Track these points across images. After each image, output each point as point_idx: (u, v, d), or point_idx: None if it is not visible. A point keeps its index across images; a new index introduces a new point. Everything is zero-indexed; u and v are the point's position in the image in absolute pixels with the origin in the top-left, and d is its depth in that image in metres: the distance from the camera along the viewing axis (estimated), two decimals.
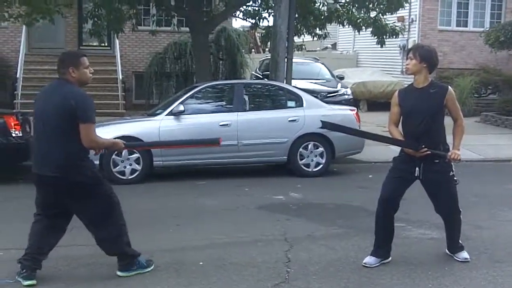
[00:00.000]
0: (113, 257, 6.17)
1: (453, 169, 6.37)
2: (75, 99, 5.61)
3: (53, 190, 5.79)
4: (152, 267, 6.22)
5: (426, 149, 6.17)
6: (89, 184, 5.76)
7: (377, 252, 6.47)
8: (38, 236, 5.93)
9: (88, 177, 5.77)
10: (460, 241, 6.66)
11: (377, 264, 6.38)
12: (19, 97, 18.49)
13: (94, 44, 21.35)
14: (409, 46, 23.56)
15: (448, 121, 6.36)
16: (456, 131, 6.40)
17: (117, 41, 20.01)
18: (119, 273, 6.05)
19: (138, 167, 11.16)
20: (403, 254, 6.77)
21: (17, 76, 18.90)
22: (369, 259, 6.43)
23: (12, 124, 11.10)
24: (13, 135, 11.08)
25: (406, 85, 6.71)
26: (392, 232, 6.51)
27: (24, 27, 17.94)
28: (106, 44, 20.68)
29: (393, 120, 6.52)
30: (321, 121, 6.87)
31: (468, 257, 6.56)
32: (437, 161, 6.26)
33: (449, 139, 6.39)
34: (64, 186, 5.70)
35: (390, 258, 6.51)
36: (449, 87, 6.44)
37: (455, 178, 6.39)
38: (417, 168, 6.28)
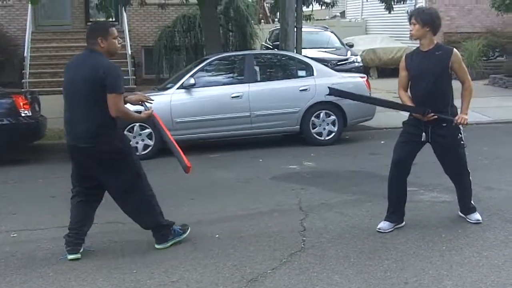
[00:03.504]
0: (124, 234, 6.28)
1: (461, 132, 6.42)
2: (104, 69, 5.67)
3: (84, 161, 5.89)
4: (188, 232, 6.32)
5: (433, 114, 6.22)
6: (118, 153, 5.86)
7: (390, 217, 6.54)
8: (77, 210, 6.04)
9: (117, 147, 5.86)
10: (472, 203, 6.72)
11: (391, 229, 6.46)
12: (28, 76, 18.50)
13: (102, 19, 21.33)
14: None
15: (457, 84, 6.39)
16: (464, 94, 6.43)
17: (125, 16, 19.94)
18: (157, 246, 6.15)
19: (151, 143, 11.22)
20: (417, 218, 6.84)
21: (25, 55, 18.88)
22: (383, 224, 6.50)
23: (21, 103, 11.09)
24: (22, 114, 11.08)
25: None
26: (405, 196, 6.58)
27: (30, 4, 17.91)
28: (114, 19, 20.56)
29: (401, 84, 6.55)
30: (328, 87, 6.93)
31: (480, 218, 6.62)
32: (445, 124, 6.31)
33: (458, 102, 6.42)
34: (94, 156, 5.79)
35: (403, 223, 6.58)
36: (454, 49, 6.44)
37: (462, 142, 6.43)
38: (426, 132, 6.34)
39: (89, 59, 5.80)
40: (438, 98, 6.29)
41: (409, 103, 6.44)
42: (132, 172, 5.99)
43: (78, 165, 6.01)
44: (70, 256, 5.92)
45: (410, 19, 6.40)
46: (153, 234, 6.18)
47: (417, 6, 22.75)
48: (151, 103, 6.41)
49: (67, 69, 6.03)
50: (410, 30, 6.39)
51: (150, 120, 6.41)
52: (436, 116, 6.23)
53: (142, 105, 6.38)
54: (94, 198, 6.13)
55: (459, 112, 6.38)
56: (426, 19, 6.29)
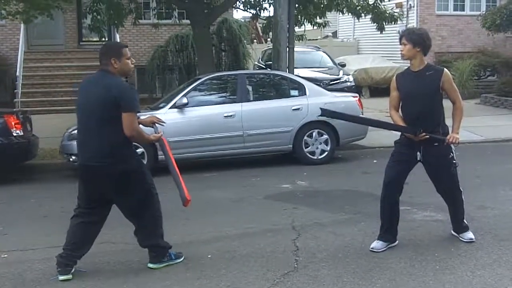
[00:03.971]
0: (116, 255, 6.25)
1: (453, 152, 6.44)
2: (118, 89, 5.69)
3: (98, 180, 5.85)
4: (182, 259, 6.29)
5: (424, 133, 6.24)
6: (133, 172, 5.86)
7: (383, 236, 6.54)
8: (74, 232, 6.00)
9: (132, 166, 5.87)
10: (465, 221, 6.73)
11: (384, 248, 6.45)
12: (20, 96, 18.50)
13: (95, 39, 21.29)
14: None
15: (448, 104, 6.41)
16: (455, 114, 6.44)
17: (117, 36, 20.00)
18: (150, 265, 6.12)
19: (143, 162, 11.17)
20: (410, 237, 6.83)
21: (17, 74, 18.89)
22: (376, 244, 6.49)
23: (13, 123, 11.06)
24: (14, 134, 11.05)
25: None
26: (397, 216, 6.58)
27: (22, 24, 17.93)
28: (106, 39, 20.52)
29: (393, 104, 6.58)
30: (320, 108, 6.94)
31: (473, 237, 6.63)
32: (436, 144, 6.33)
33: (449, 122, 6.45)
34: (109, 175, 5.77)
35: (396, 242, 6.57)
36: (445, 69, 6.46)
37: (454, 161, 6.45)
38: (417, 152, 6.36)
39: (103, 80, 5.81)
40: (429, 118, 6.31)
41: (400, 123, 6.45)
42: (145, 192, 6.00)
43: (89, 185, 5.96)
44: (61, 277, 5.88)
45: (400, 40, 6.42)
46: (148, 253, 6.16)
47: (408, 26, 22.98)
48: (163, 125, 6.46)
49: (80, 90, 6.03)
50: (401, 50, 6.41)
51: (158, 143, 6.40)
52: (427, 136, 6.26)
53: (153, 127, 6.39)
54: (97, 220, 6.08)
55: (450, 131, 6.40)
56: (417, 40, 6.32)
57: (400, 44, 6.43)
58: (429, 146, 6.34)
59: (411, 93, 6.36)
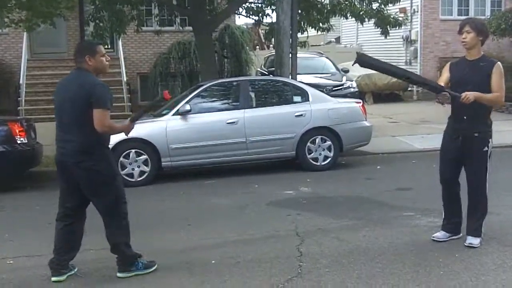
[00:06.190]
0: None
1: (489, 146, 6.55)
2: (90, 86, 5.75)
3: (73, 177, 5.90)
4: (154, 268, 6.23)
5: (468, 96, 6.22)
6: (104, 173, 5.89)
7: (445, 227, 6.73)
8: (59, 237, 6.07)
9: (104, 165, 5.90)
10: (481, 229, 6.70)
11: (446, 239, 6.67)
12: (23, 104, 18.57)
13: None
14: (412, 37, 23.90)
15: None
16: (492, 95, 6.46)
17: (120, 43, 20.02)
18: (118, 274, 6.11)
19: (147, 169, 11.20)
20: (414, 243, 6.80)
21: (20, 82, 18.97)
22: (439, 234, 6.69)
23: (17, 131, 11.10)
24: (18, 142, 11.09)
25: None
26: (459, 207, 6.74)
27: (25, 32, 17.99)
28: (109, 47, 20.59)
29: (442, 80, 6.60)
30: (356, 53, 6.80)
31: (475, 243, 6.58)
32: (477, 134, 6.45)
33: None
34: (83, 172, 5.82)
35: (460, 234, 6.74)
36: (498, 62, 6.54)
37: (488, 155, 6.56)
38: (459, 141, 6.51)
39: (77, 78, 5.90)
40: (476, 107, 6.35)
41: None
42: (114, 198, 6.01)
43: (66, 181, 6.02)
44: (54, 278, 5.95)
45: (462, 28, 6.43)
46: (116, 262, 6.14)
47: (412, 32, 23.01)
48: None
49: (57, 89, 6.14)
50: (464, 38, 6.42)
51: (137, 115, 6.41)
52: (472, 96, 6.23)
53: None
54: (77, 220, 6.10)
55: (492, 126, 6.56)
56: (481, 29, 6.42)
57: (460, 33, 6.45)
58: (469, 137, 6.46)
59: (462, 80, 6.41)
